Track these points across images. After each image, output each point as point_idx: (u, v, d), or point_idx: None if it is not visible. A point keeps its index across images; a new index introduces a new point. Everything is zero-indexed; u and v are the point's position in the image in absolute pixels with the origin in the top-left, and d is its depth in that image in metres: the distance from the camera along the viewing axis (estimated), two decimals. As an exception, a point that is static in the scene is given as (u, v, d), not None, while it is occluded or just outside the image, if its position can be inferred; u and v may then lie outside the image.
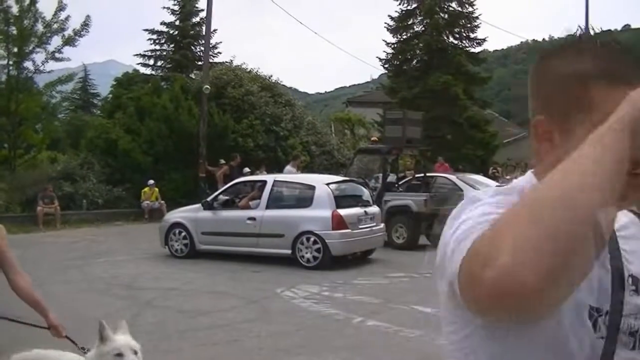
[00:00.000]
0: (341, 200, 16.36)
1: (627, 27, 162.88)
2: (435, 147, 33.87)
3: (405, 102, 43.34)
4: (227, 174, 25.25)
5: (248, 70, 37.21)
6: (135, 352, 4.19)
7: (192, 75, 43.51)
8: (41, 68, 29.67)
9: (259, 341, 9.37)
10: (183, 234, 17.54)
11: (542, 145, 1.65)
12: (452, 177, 23.99)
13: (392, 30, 49.67)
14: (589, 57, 1.54)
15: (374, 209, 17.29)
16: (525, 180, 1.72)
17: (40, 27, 28.94)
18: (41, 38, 29.05)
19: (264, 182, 17.38)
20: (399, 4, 49.37)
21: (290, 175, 21.12)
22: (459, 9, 48.78)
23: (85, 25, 30.16)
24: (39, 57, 29.43)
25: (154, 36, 52.16)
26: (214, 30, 47.25)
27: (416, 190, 21.34)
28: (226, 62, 44.36)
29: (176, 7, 51.76)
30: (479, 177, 26.03)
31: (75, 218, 25.56)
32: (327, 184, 16.50)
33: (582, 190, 1.17)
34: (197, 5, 51.28)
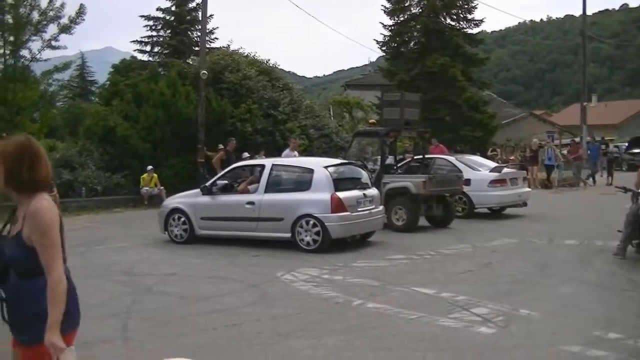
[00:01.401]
0: (340, 183, 16.35)
1: (624, 7, 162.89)
2: (434, 129, 33.84)
3: (403, 84, 43.41)
4: (224, 159, 25.24)
5: (245, 54, 37.16)
6: None
7: (189, 61, 43.37)
8: (38, 56, 29.59)
9: (259, 325, 9.39)
10: (182, 219, 17.54)
11: None
12: (451, 158, 24.07)
13: (389, 13, 49.62)
14: None
15: (372, 192, 17.29)
16: None
17: (36, 15, 28.80)
18: (37, 26, 28.89)
19: (263, 166, 17.37)
20: (396, -13, 49.26)
21: (289, 159, 21.13)
22: (456, -11, 48.66)
23: (81, 12, 30.05)
24: (36, 45, 29.33)
25: (151, 22, 52.04)
26: (210, 15, 47.36)
27: (415, 172, 21.37)
28: (223, 47, 44.26)
29: (172, -7, 51.62)
30: (478, 158, 26.12)
31: (74, 205, 25.51)
32: (326, 167, 16.48)
33: None
34: (193, -10, 51.17)
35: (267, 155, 25.77)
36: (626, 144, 52.06)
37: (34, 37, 29.13)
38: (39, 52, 29.48)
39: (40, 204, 4.23)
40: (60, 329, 4.09)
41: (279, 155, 24.66)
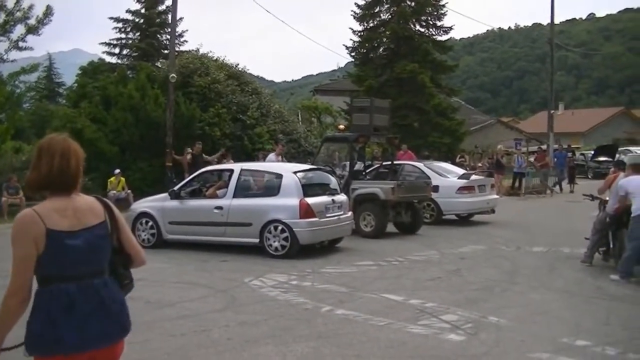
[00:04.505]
0: (309, 188, 16.33)
1: (591, 16, 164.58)
2: (403, 135, 33.93)
3: (372, 90, 43.53)
4: (190, 163, 25.16)
5: (214, 58, 37.09)
6: None
7: (159, 64, 43.25)
8: (4, 57, 29.35)
9: (227, 331, 9.33)
10: (150, 223, 17.45)
11: None
12: (420, 164, 24.12)
13: (359, 19, 49.80)
14: None
15: (341, 197, 17.28)
16: None
17: (2, 16, 28.59)
18: (4, 27, 28.69)
19: (231, 171, 17.31)
20: (366, -8, 49.42)
21: (257, 164, 21.15)
22: (426, -4, 48.89)
23: (48, 13, 29.86)
24: (2, 46, 29.15)
25: (120, 24, 51.97)
26: (180, 18, 47.21)
27: (383, 178, 21.41)
28: (192, 50, 44.14)
29: (142, -5, 51.51)
30: (446, 165, 26.23)
31: (41, 208, 25.24)
32: (295, 173, 16.45)
33: None
34: (162, -7, 51.10)
35: (234, 160, 25.68)
36: (592, 152, 52.45)
37: (1, 38, 28.90)
38: (6, 53, 29.30)
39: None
40: (29, 350, 3.97)
41: (247, 159, 24.57)
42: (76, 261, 4.02)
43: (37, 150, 4.10)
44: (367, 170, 22.58)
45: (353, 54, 51.06)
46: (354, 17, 49.87)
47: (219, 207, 16.47)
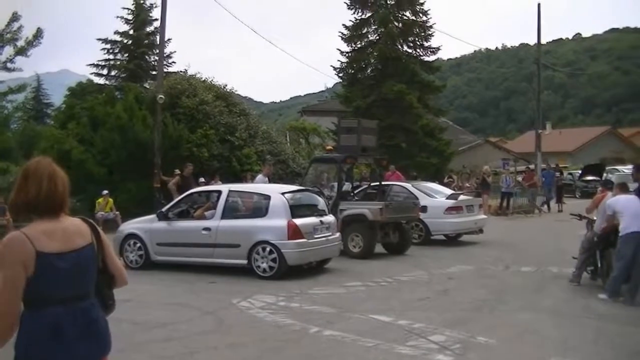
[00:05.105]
0: (297, 209, 16.32)
1: (577, 36, 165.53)
2: (390, 156, 33.98)
3: (360, 110, 43.64)
4: (180, 184, 25.10)
5: (202, 79, 37.05)
6: None
7: (146, 85, 43.28)
8: (-8, 78, 29.36)
9: (216, 353, 9.31)
10: (138, 244, 17.40)
11: None
12: (408, 185, 24.14)
13: (347, 39, 49.94)
14: None
15: (329, 218, 17.28)
16: None
17: (-9, 38, 28.63)
18: (-8, 48, 28.72)
19: (219, 192, 17.30)
20: (353, 13, 49.70)
21: (245, 185, 21.14)
22: (413, 17, 49.21)
23: (38, 35, 29.87)
24: (-11, 67, 29.11)
25: (108, 45, 52.04)
26: (168, 39, 47.29)
27: (372, 198, 21.40)
28: (180, 71, 44.21)
29: (130, 17, 51.68)
30: (434, 185, 26.24)
31: (28, 229, 25.13)
32: (283, 194, 16.44)
33: None
34: (151, 14, 51.22)
35: (222, 181, 25.65)
36: (580, 171, 52.58)
37: (-11, 59, 28.91)
38: (-6, 73, 29.26)
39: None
40: None
41: (235, 181, 24.53)
42: (65, 283, 4.01)
43: (23, 173, 4.09)
44: (355, 191, 22.59)
45: (341, 74, 51.14)
46: (342, 38, 50.03)
47: (207, 229, 16.45)
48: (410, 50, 49.75)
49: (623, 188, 13.63)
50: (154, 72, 46.15)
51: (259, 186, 19.67)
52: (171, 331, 10.60)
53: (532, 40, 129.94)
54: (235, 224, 16.42)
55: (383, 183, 23.54)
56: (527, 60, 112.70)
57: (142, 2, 51.84)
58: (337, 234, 17.50)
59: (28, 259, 3.87)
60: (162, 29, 31.09)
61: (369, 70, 50.65)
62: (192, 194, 18.67)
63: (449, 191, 25.31)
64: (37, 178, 4.04)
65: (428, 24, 49.25)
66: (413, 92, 45.85)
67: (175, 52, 56.52)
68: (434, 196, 23.16)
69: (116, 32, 51.76)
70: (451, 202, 22.66)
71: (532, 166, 45.58)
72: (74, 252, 4.05)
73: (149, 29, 52.10)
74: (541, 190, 39.16)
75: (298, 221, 15.84)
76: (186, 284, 15.21)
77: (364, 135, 21.60)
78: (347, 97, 49.24)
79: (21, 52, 29.47)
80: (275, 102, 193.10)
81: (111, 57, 52.42)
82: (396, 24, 48.89)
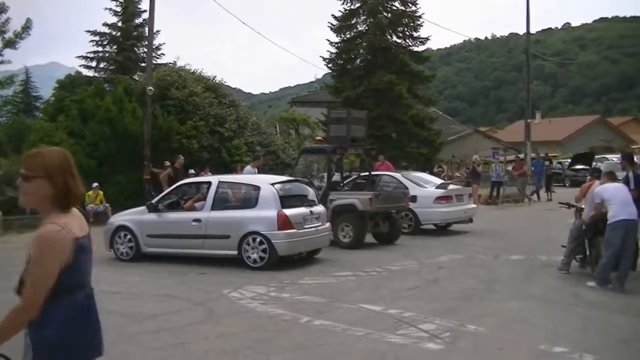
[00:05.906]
0: (286, 200, 16.33)
1: (567, 25, 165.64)
2: (380, 146, 34.01)
3: (350, 101, 43.62)
4: (171, 176, 25.09)
5: (192, 71, 37.04)
6: None
7: (136, 77, 43.24)
8: (-19, 72, 29.24)
9: (206, 344, 9.32)
10: (128, 236, 17.39)
11: None
12: (397, 175, 24.16)
13: (336, 30, 49.84)
14: None
15: (319, 209, 17.29)
16: None
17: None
18: (-19, 42, 28.59)
19: (209, 184, 17.30)
20: (343, 4, 49.60)
21: (235, 176, 21.15)
22: (402, 8, 49.13)
23: (27, 27, 29.75)
24: (-21, 61, 28.99)
25: (97, 37, 51.88)
26: (157, 31, 47.21)
27: (361, 189, 21.41)
28: (170, 63, 44.18)
29: (118, 8, 51.53)
30: (424, 175, 26.26)
31: (18, 223, 25.11)
32: (272, 184, 16.45)
33: None
34: (139, 6, 51.08)
35: (213, 173, 25.66)
36: (569, 160, 52.67)
37: (-22, 53, 28.78)
38: (-18, 67, 29.14)
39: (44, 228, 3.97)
40: None
41: (225, 172, 24.53)
42: (89, 267, 4.16)
43: (48, 165, 3.98)
44: (345, 181, 22.60)
45: (330, 65, 51.02)
46: (331, 29, 49.94)
47: (197, 220, 16.45)
48: (399, 41, 49.69)
49: (611, 176, 13.69)
50: (143, 64, 46.05)
51: (249, 177, 19.65)
52: (162, 322, 10.61)
53: (522, 30, 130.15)
54: (225, 215, 16.43)
55: (372, 173, 23.54)
56: (516, 49, 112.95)
57: (130, -6, 51.76)
58: (327, 224, 17.50)
59: (68, 252, 3.89)
60: (150, 20, 31.04)
61: (358, 61, 50.57)
62: (181, 185, 18.68)
63: (438, 181, 25.34)
64: (63, 171, 4.02)
65: (417, 14, 49.19)
66: (403, 82, 45.80)
67: (164, 43, 56.34)
68: (424, 186, 23.17)
69: (105, 24, 51.66)
70: (440, 192, 22.67)
71: (521, 155, 45.62)
72: (87, 237, 4.11)
73: (138, 20, 52.00)
74: (531, 180, 39.20)
75: (288, 212, 15.85)
76: (177, 275, 15.21)
77: (353, 126, 21.58)
78: (336, 87, 49.20)
79: (10, 44, 29.34)
80: (265, 94, 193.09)
81: (100, 49, 52.29)
82: (385, 14, 48.82)
